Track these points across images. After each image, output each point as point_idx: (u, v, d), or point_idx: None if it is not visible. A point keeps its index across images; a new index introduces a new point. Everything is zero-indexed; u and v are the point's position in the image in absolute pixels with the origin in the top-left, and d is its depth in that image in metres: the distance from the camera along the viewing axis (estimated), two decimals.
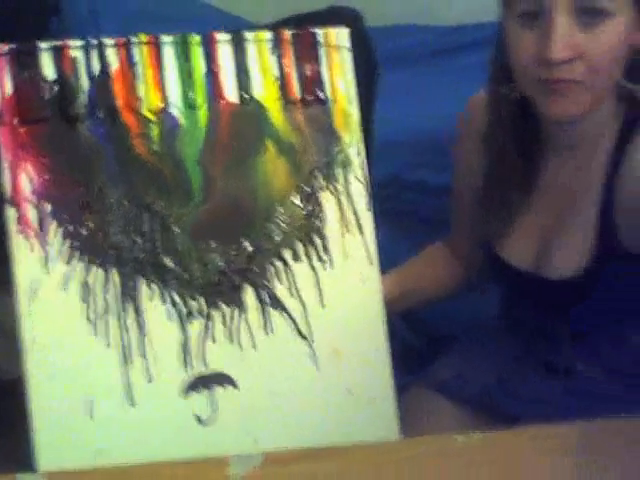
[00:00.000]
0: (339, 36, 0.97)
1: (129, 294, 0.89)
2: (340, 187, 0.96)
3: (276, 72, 0.95)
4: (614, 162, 0.99)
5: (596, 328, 1.09)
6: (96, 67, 0.90)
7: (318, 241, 0.95)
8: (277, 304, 0.93)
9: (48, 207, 0.88)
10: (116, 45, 0.91)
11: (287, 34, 0.96)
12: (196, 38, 0.93)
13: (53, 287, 0.87)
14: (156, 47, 0.92)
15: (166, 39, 0.92)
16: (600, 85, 0.94)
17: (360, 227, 0.96)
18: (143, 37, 0.92)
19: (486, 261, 1.13)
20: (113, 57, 0.91)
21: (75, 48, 0.90)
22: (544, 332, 1.14)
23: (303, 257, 0.94)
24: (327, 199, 0.96)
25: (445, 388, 1.18)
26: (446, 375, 1.19)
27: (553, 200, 1.06)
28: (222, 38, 0.94)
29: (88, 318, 0.88)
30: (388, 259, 1.02)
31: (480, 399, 1.14)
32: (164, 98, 0.92)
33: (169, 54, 0.92)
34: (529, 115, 1.01)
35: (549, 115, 0.97)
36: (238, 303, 0.92)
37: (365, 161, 0.97)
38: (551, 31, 0.89)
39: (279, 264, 0.94)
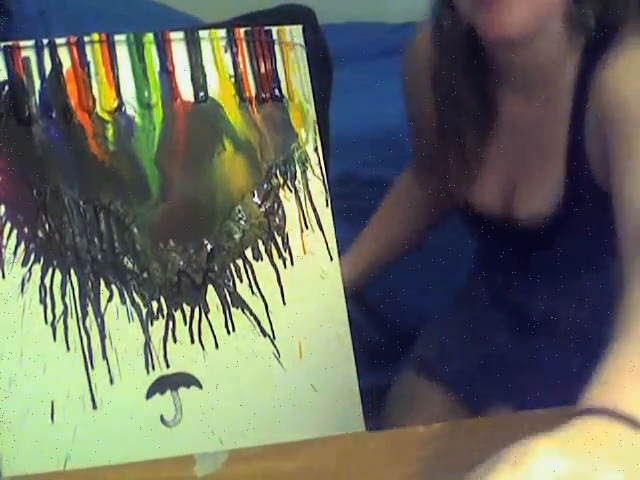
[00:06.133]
0: (293, 33, 0.97)
1: (88, 296, 0.88)
2: (299, 184, 0.96)
3: (231, 70, 0.94)
4: (579, 95, 0.95)
5: (577, 263, 1.05)
6: (48, 67, 0.89)
7: (278, 238, 0.94)
8: (238, 303, 0.92)
9: (2, 209, 0.87)
10: (68, 44, 0.89)
11: (241, 32, 0.95)
12: (149, 36, 0.92)
13: (10, 290, 0.86)
14: (109, 46, 0.90)
15: (119, 38, 0.91)
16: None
17: (320, 223, 0.96)
18: (95, 36, 0.90)
19: (454, 207, 1.10)
20: (65, 56, 0.89)
21: (26, 48, 0.88)
22: (517, 280, 1.11)
23: (264, 255, 0.94)
24: (286, 196, 0.95)
25: (427, 368, 1.15)
26: (427, 353, 1.17)
27: (518, 140, 1.03)
28: (176, 36, 0.93)
29: (47, 321, 0.87)
30: None
31: (461, 381, 1.12)
32: (118, 97, 0.90)
33: (122, 53, 0.91)
34: (477, 48, 0.98)
35: (488, 35, 0.92)
36: (199, 302, 0.91)
37: (322, 158, 0.97)
38: None
39: (240, 262, 0.93)
